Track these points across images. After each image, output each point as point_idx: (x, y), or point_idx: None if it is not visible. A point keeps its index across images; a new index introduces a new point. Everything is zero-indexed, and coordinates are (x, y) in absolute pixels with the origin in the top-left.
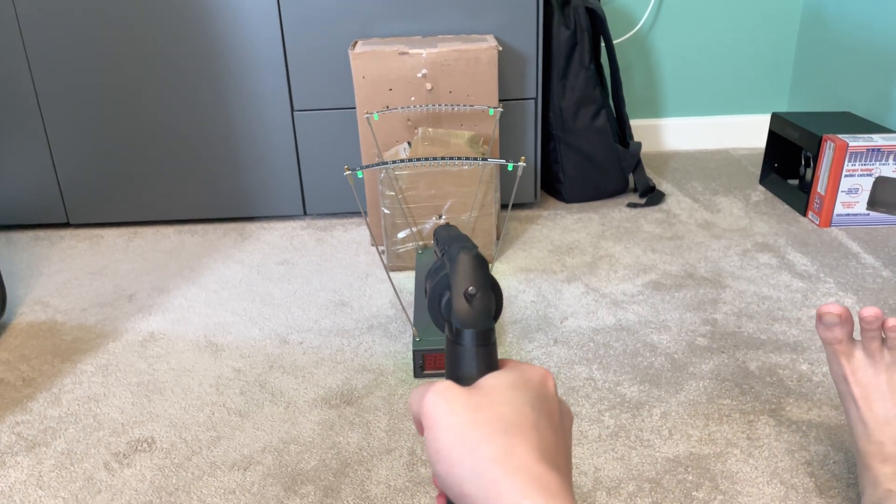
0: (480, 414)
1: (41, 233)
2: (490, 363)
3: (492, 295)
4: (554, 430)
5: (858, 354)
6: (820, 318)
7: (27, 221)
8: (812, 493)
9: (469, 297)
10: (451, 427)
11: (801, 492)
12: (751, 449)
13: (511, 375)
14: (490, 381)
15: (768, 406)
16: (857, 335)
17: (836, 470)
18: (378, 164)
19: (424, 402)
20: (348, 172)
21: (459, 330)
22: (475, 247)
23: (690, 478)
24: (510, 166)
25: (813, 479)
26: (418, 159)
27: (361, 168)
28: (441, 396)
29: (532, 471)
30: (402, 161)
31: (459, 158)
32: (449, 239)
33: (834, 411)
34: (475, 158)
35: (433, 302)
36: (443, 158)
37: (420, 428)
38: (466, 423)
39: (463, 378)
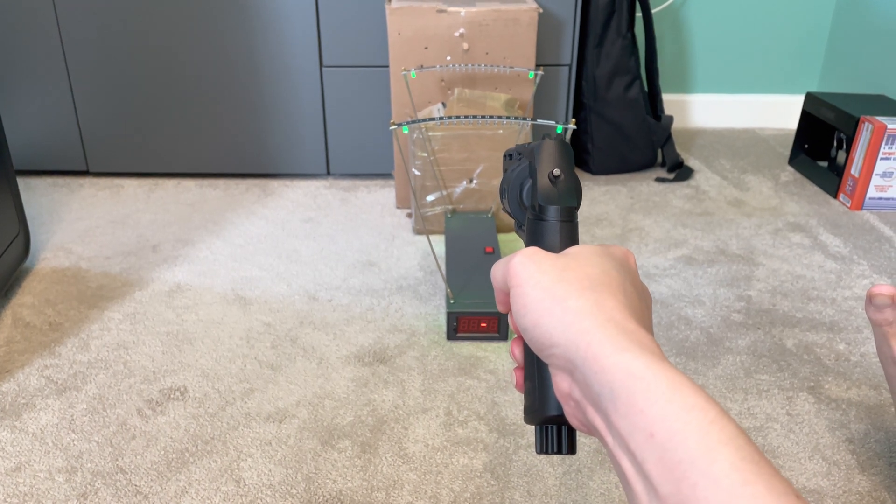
0: (568, 273)
1: (60, 179)
2: (573, 238)
3: (575, 178)
4: (639, 296)
5: None
6: (870, 299)
7: (46, 167)
8: (854, 470)
9: (553, 179)
10: (539, 283)
11: (843, 468)
12: (791, 424)
13: (595, 247)
14: (574, 249)
15: (807, 383)
16: None
17: (877, 448)
18: (426, 120)
19: (512, 264)
20: (394, 127)
21: (544, 206)
22: (559, 135)
23: None
24: (559, 128)
25: (855, 456)
26: (466, 116)
27: (408, 123)
28: (528, 258)
29: (624, 325)
30: (451, 118)
31: (508, 118)
32: (525, 143)
33: (873, 391)
34: (524, 118)
35: (513, 193)
36: (491, 117)
37: (503, 299)
38: (555, 280)
39: (547, 249)
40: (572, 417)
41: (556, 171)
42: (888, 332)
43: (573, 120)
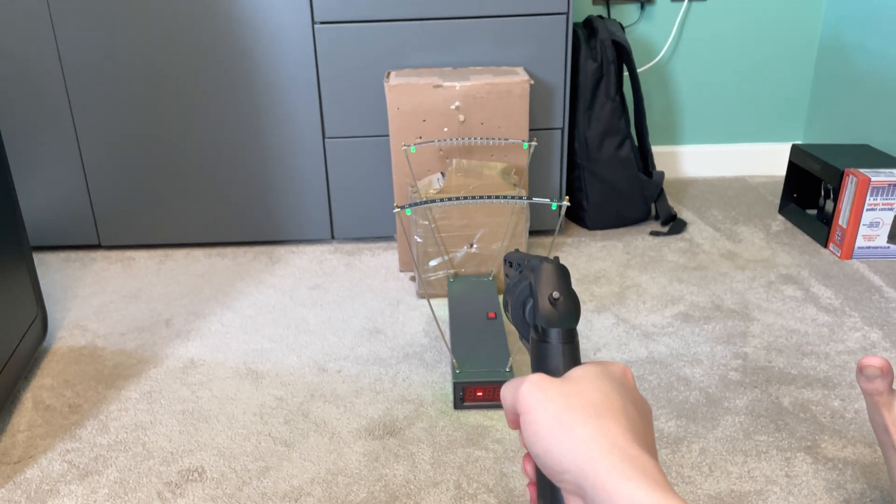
0: (573, 399)
1: (73, 254)
2: (574, 358)
3: (573, 298)
4: (640, 416)
5: None
6: (861, 370)
7: (58, 242)
8: None
9: (553, 301)
10: (547, 411)
11: None
12: (790, 487)
13: (595, 368)
14: (577, 372)
15: (804, 443)
16: None
17: None
18: (427, 202)
19: (520, 392)
20: (398, 210)
21: (546, 329)
22: (556, 258)
23: None
24: (553, 205)
25: None
26: (465, 198)
27: (410, 206)
28: (536, 386)
29: (628, 451)
30: (450, 199)
31: (504, 197)
32: (524, 257)
33: (868, 449)
34: (520, 197)
35: (516, 310)
36: (489, 198)
37: (513, 419)
38: (562, 408)
39: (550, 372)
40: None
41: (556, 294)
42: (879, 401)
43: (567, 197)
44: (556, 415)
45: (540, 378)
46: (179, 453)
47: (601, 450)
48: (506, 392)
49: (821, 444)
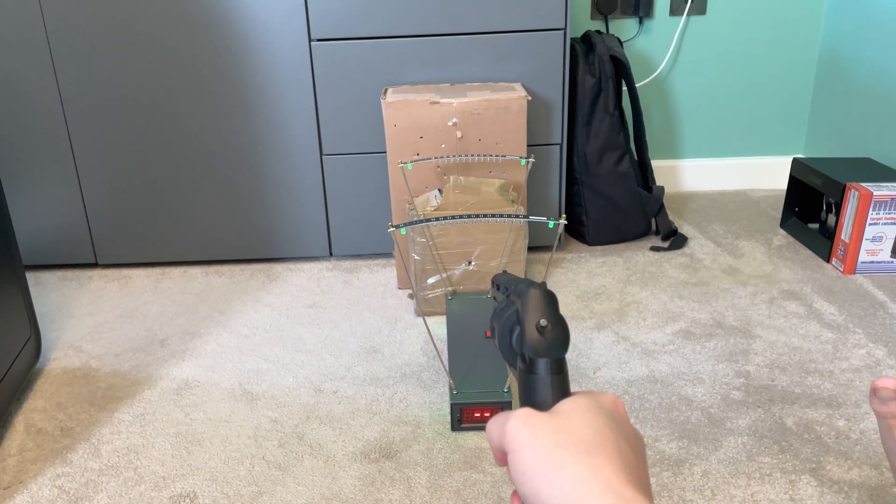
0: (563, 436)
1: (69, 273)
2: (564, 390)
3: (561, 325)
4: (633, 451)
5: None
6: (875, 392)
7: (55, 261)
8: None
9: (541, 329)
10: (536, 449)
11: None
12: None
13: (585, 400)
14: (566, 405)
15: (808, 465)
16: None
17: None
18: (422, 221)
19: (507, 428)
20: (392, 229)
21: (533, 359)
22: (544, 284)
23: None
24: (551, 224)
25: None
26: (461, 216)
27: (405, 225)
28: (522, 422)
29: (622, 493)
30: (446, 218)
31: (501, 216)
32: (512, 280)
33: (874, 471)
34: (517, 216)
35: (503, 337)
36: (486, 216)
37: (500, 457)
38: (551, 445)
39: (538, 404)
40: None
41: (543, 322)
42: (893, 424)
43: (563, 216)
44: (545, 453)
45: (527, 413)
46: (171, 478)
47: (593, 492)
48: (492, 428)
49: (826, 465)
